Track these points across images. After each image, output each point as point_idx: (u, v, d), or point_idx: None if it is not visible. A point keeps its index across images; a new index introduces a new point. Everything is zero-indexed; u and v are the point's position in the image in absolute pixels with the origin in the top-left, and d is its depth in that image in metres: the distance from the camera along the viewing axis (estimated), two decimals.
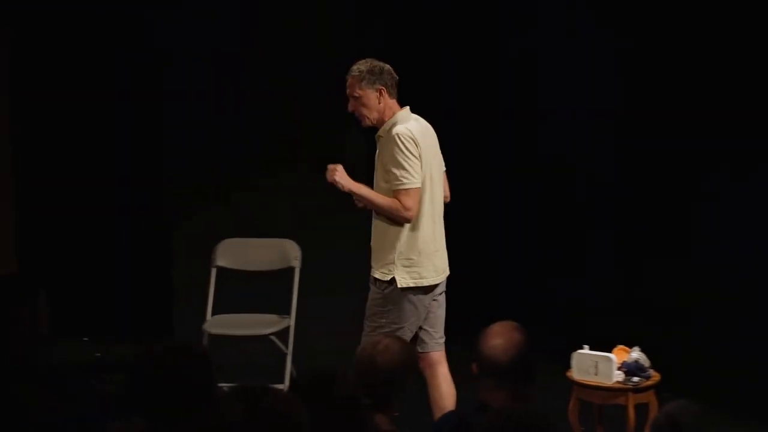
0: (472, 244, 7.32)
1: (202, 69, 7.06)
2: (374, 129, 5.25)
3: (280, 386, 5.40)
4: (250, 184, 7.16)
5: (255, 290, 6.26)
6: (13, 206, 7.42)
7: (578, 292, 7.02)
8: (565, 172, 7.13)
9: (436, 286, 5.25)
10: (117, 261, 7.36)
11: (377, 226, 5.23)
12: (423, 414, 5.22)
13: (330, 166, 5.17)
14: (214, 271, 6.28)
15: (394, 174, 5.08)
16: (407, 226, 5.15)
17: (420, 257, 5.17)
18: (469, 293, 7.19)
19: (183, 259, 7.13)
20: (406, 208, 5.09)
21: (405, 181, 5.08)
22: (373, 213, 5.24)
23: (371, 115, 5.20)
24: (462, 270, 7.16)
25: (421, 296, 5.21)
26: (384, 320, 5.16)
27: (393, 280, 5.14)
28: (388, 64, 5.23)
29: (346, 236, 6.67)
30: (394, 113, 5.18)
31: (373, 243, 5.26)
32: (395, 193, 5.09)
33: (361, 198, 5.19)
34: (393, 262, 5.15)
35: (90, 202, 7.38)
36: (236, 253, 6.31)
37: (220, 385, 3.62)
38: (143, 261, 7.35)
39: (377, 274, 5.20)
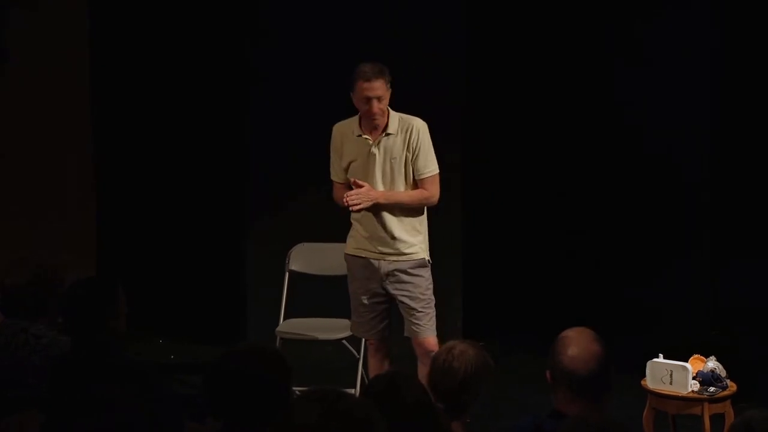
0: (545, 247, 7.29)
1: (288, 74, 7.07)
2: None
3: (351, 391, 5.41)
4: (324, 188, 7.18)
5: (327, 294, 6.26)
6: (95, 208, 7.52)
7: (652, 299, 6.94)
8: (646, 175, 7.07)
9: None
10: (193, 263, 7.43)
11: (403, 213, 5.25)
12: (494, 419, 5.19)
13: (351, 200, 5.18)
14: (287, 275, 6.31)
15: (424, 162, 5.17)
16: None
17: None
18: (542, 297, 7.16)
19: (257, 262, 7.17)
20: (434, 194, 5.22)
21: (435, 167, 5.20)
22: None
23: (386, 114, 5.23)
24: (536, 273, 7.10)
25: None
26: (433, 299, 5.29)
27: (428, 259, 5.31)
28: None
29: None
30: (389, 109, 5.25)
31: (398, 231, 5.24)
32: (429, 180, 5.17)
33: (391, 204, 5.19)
34: (423, 241, 5.28)
35: (167, 205, 7.46)
36: (309, 258, 6.33)
37: (293, 388, 3.63)
38: (218, 264, 7.41)
39: (424, 255, 5.27)
